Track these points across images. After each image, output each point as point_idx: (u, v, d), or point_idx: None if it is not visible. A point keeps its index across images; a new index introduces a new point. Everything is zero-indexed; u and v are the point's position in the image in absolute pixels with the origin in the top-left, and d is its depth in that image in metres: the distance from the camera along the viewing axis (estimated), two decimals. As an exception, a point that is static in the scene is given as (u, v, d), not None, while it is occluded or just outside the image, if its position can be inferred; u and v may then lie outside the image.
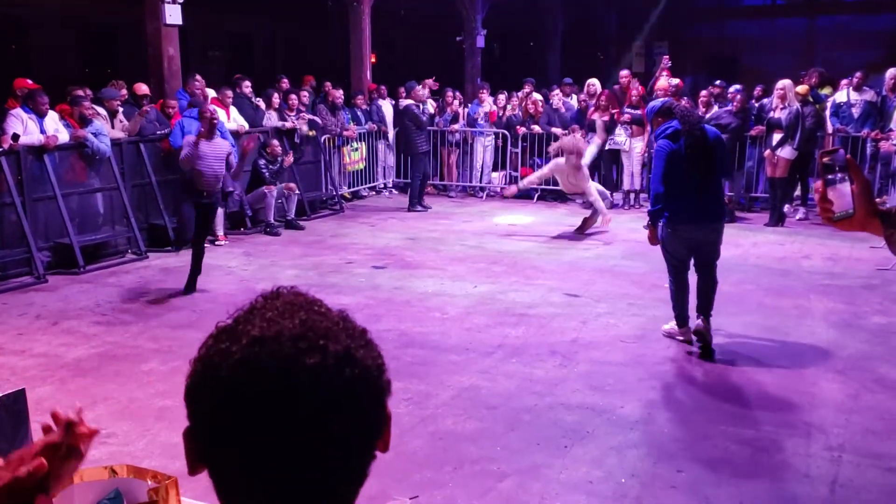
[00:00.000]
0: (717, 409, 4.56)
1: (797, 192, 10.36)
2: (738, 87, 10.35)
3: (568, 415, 4.40)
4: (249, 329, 0.82)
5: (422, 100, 11.73)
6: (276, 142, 9.70)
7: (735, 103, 10.15)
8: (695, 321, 5.41)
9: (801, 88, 9.92)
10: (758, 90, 11.06)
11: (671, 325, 5.60)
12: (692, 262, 5.45)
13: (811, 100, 9.94)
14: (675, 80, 10.82)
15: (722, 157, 5.37)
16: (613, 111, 10.96)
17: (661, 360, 5.25)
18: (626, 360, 5.23)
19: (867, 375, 4.95)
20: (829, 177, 1.56)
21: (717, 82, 10.96)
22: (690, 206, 5.20)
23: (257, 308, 0.86)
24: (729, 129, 9.92)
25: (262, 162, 9.52)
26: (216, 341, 0.83)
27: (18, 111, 7.41)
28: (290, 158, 9.74)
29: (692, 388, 4.84)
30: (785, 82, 9.71)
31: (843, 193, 1.55)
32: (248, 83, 10.46)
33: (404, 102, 11.98)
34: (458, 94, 12.86)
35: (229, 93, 9.67)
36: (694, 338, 5.40)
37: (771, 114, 9.82)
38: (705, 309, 5.41)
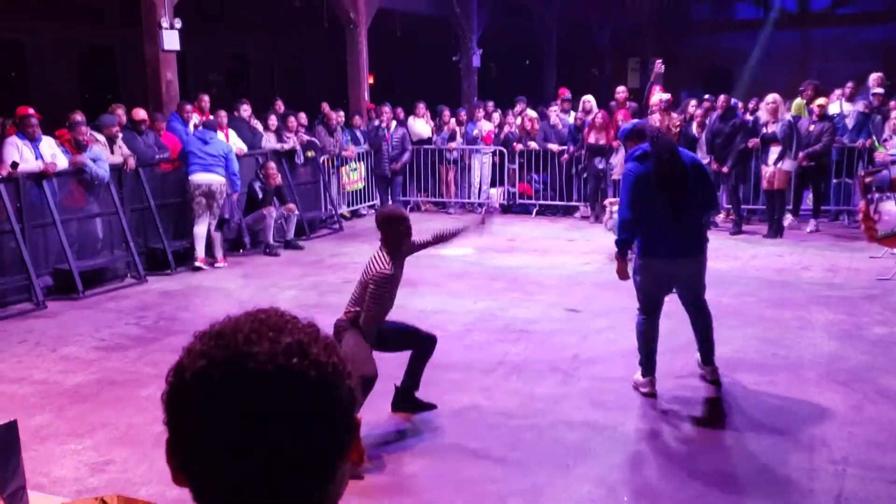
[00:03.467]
0: (720, 424, 4.54)
1: (809, 205, 10.34)
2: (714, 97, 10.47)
3: (569, 433, 4.38)
4: (213, 329, 0.89)
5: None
6: (271, 164, 9.71)
7: (719, 108, 10.22)
8: (698, 368, 5.06)
9: (821, 101, 9.97)
10: (752, 103, 11.11)
11: (635, 376, 4.98)
12: (670, 299, 4.90)
13: (819, 114, 9.97)
14: (666, 95, 10.85)
15: (703, 187, 4.77)
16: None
17: (662, 375, 5.20)
18: (628, 376, 5.19)
19: (869, 387, 4.92)
20: (871, 196, 1.58)
21: (707, 97, 11.01)
22: (663, 237, 4.66)
23: (230, 316, 0.92)
24: (723, 136, 9.97)
25: (257, 184, 9.53)
26: (189, 345, 0.90)
27: (13, 138, 7.44)
28: (277, 180, 9.68)
29: (694, 403, 4.81)
30: (774, 96, 9.74)
31: (887, 212, 1.57)
32: (246, 106, 10.52)
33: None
34: (461, 112, 12.93)
35: (223, 113, 9.70)
36: (657, 390, 4.84)
37: (764, 129, 9.86)
38: (708, 355, 4.98)
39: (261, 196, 9.48)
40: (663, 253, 4.72)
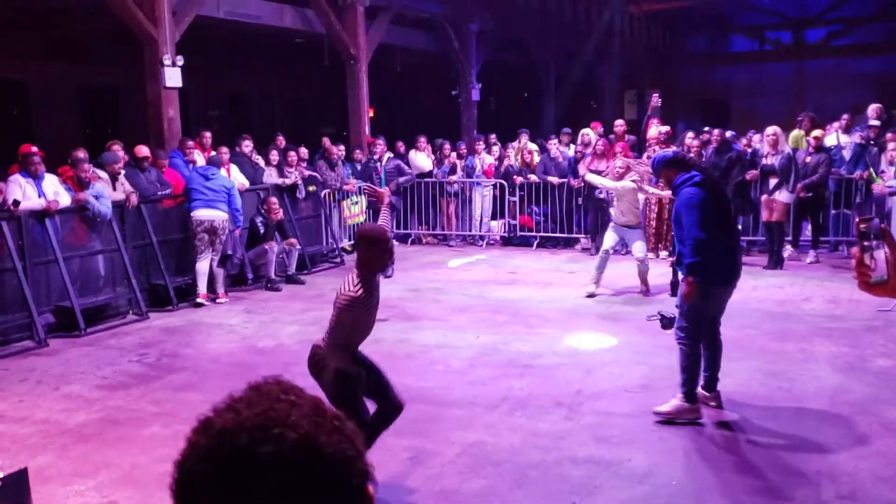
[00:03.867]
0: (726, 459, 4.51)
1: (809, 236, 10.37)
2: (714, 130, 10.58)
3: (575, 469, 4.35)
4: (216, 421, 0.86)
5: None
6: (273, 199, 9.76)
7: (713, 142, 10.31)
8: (703, 394, 5.15)
9: (818, 133, 10.05)
10: (750, 135, 11.20)
11: (672, 404, 5.00)
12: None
13: (816, 146, 10.04)
14: (665, 128, 10.94)
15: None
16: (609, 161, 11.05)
17: (666, 410, 5.21)
18: (633, 411, 5.19)
19: (874, 420, 4.91)
20: (866, 244, 1.59)
21: (706, 129, 11.10)
22: (723, 263, 4.93)
23: (232, 398, 0.89)
24: (720, 169, 10.03)
25: (258, 219, 9.56)
26: (194, 433, 0.87)
27: (16, 177, 7.48)
28: (279, 215, 9.74)
29: (699, 438, 4.79)
30: (775, 128, 9.83)
31: (879, 260, 1.59)
32: (248, 142, 10.60)
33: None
34: (461, 146, 13.06)
35: (225, 149, 9.78)
36: (703, 412, 5.03)
37: (763, 160, 9.93)
38: (714, 382, 5.18)
39: (262, 231, 9.51)
40: (724, 278, 4.99)
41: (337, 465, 0.84)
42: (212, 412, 0.88)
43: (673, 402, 5.01)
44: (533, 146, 12.84)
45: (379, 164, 11.59)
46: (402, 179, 11.76)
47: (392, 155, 12.32)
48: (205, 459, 0.83)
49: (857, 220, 1.64)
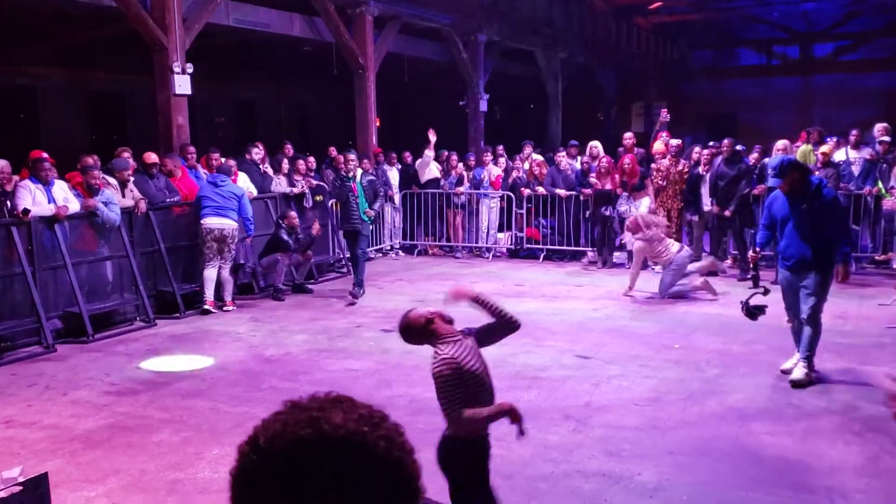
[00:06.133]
0: (736, 474, 4.49)
1: None
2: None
3: (585, 483, 4.34)
4: (288, 402, 0.94)
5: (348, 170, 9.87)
6: (293, 213, 9.72)
7: (724, 151, 10.32)
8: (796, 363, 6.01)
9: (826, 148, 10.04)
10: (758, 150, 11.20)
11: (803, 372, 5.90)
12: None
13: (824, 161, 10.03)
14: (676, 141, 10.95)
15: None
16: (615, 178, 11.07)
17: (675, 424, 5.21)
18: (641, 424, 5.18)
19: (885, 437, 4.89)
20: None
21: (711, 143, 11.11)
22: None
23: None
24: (728, 179, 10.04)
25: (282, 233, 9.48)
26: (262, 421, 0.93)
27: (27, 182, 7.50)
28: (317, 227, 9.78)
29: (709, 453, 4.77)
30: (784, 143, 9.83)
31: None
32: (257, 149, 10.55)
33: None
34: (470, 157, 13.05)
35: (232, 161, 9.75)
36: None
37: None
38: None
39: (294, 246, 9.46)
40: None
41: (395, 448, 0.89)
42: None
43: (802, 369, 5.88)
44: (538, 157, 12.85)
45: (353, 181, 9.75)
46: (376, 206, 10.08)
47: (363, 171, 10.91)
48: (276, 421, 0.88)
49: None
